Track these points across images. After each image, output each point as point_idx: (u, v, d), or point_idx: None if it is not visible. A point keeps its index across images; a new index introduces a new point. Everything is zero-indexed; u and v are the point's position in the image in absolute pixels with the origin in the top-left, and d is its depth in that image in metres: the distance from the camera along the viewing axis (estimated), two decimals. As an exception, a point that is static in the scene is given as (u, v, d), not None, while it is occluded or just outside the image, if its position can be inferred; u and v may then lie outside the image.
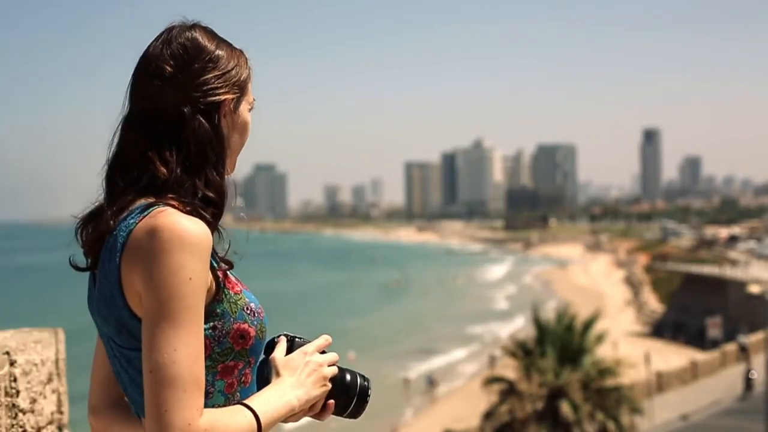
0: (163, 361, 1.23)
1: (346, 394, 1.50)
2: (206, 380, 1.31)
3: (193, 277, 1.27)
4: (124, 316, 1.33)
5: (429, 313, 64.12)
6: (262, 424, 1.32)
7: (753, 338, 37.66)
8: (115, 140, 1.44)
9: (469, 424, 26.20)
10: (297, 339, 1.52)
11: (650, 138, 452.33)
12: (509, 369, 23.56)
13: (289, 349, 1.49)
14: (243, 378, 1.40)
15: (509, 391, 21.55)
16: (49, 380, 2.36)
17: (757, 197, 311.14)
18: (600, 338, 23.10)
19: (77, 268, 1.45)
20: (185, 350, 1.25)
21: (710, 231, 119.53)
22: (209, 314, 1.33)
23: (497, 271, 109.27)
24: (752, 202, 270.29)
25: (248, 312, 1.39)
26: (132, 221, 1.32)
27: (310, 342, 1.52)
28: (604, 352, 24.71)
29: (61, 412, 2.43)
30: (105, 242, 1.36)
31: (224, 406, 1.36)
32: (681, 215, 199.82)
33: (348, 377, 1.51)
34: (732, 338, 39.53)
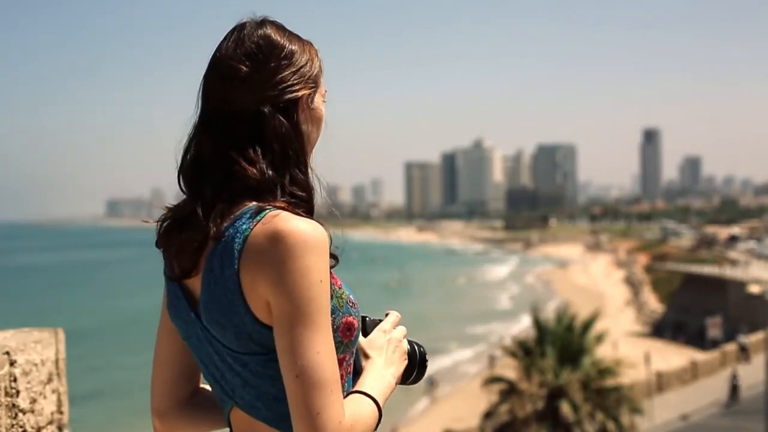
0: (309, 365, 1.25)
1: (410, 363, 1.57)
2: None
3: (322, 279, 1.29)
4: (246, 323, 1.31)
5: (429, 313, 64.05)
6: (381, 409, 1.39)
7: (753, 338, 37.68)
8: (189, 144, 1.42)
9: (469, 424, 26.19)
10: (366, 318, 1.55)
11: (650, 138, 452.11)
12: (509, 369, 23.55)
13: (363, 330, 1.53)
14: (349, 368, 1.44)
15: (509, 391, 21.56)
16: (49, 380, 2.36)
17: (757, 197, 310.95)
18: (600, 338, 23.09)
19: (174, 278, 1.41)
20: (326, 351, 1.28)
21: (710, 231, 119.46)
22: None
23: (497, 271, 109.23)
24: (752, 202, 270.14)
25: (350, 304, 1.42)
26: (245, 227, 1.31)
27: (380, 320, 1.56)
28: (604, 352, 24.70)
29: (61, 412, 2.43)
30: (210, 249, 1.34)
31: None
32: (681, 215, 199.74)
33: (408, 348, 1.58)
34: (732, 338, 39.51)
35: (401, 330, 1.56)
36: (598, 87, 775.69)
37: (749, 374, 32.30)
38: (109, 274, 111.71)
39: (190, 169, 1.40)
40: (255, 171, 1.35)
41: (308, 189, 1.41)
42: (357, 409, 1.33)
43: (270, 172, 1.36)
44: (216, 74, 1.40)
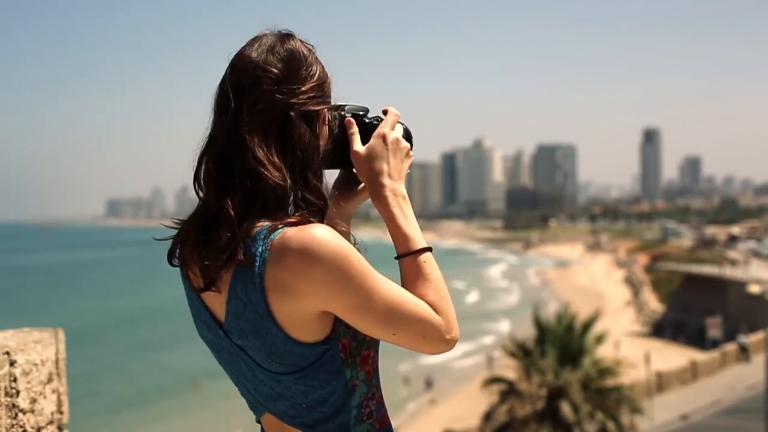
0: (398, 320, 1.35)
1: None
2: (350, 374, 1.40)
3: (357, 259, 1.34)
4: (278, 344, 1.35)
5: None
6: (426, 247, 1.46)
7: (753, 338, 37.70)
8: (208, 148, 1.42)
9: (469, 424, 26.19)
10: (365, 118, 1.54)
11: (650, 138, 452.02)
12: (509, 369, 23.53)
13: (362, 134, 1.52)
14: (375, 364, 1.46)
15: (509, 391, 21.53)
16: (49, 380, 2.36)
17: (757, 197, 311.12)
18: (600, 338, 23.06)
19: (199, 290, 1.41)
20: (392, 294, 1.36)
21: (710, 231, 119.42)
22: None
23: (496, 270, 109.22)
24: (752, 202, 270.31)
25: None
26: (261, 249, 1.32)
27: (378, 118, 1.54)
28: (604, 352, 24.68)
29: (61, 412, 2.43)
30: (233, 272, 1.35)
31: (367, 393, 1.43)
32: (681, 215, 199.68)
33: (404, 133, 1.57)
34: (732, 338, 39.53)
35: (394, 118, 1.55)
36: (598, 87, 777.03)
37: (749, 374, 32.31)
38: (109, 274, 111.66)
39: (212, 174, 1.39)
40: (279, 176, 1.36)
41: (323, 197, 1.43)
42: (430, 282, 1.41)
43: (289, 180, 1.38)
44: (246, 76, 1.41)
